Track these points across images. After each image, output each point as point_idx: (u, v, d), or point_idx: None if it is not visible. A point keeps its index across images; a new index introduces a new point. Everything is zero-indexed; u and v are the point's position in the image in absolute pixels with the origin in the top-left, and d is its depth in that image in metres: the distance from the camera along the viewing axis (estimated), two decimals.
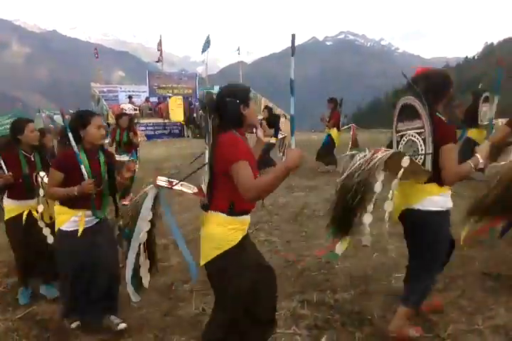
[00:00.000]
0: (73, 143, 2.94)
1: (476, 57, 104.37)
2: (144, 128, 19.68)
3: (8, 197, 3.64)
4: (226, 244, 2.24)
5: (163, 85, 23.77)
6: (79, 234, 2.95)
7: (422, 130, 2.54)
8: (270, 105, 25.12)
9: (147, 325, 3.17)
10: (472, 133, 6.94)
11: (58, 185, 2.96)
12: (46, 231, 3.39)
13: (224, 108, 2.26)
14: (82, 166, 2.94)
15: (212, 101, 2.30)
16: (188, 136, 19.73)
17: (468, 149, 6.91)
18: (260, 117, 9.07)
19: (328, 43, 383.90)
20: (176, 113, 21.15)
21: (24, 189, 3.52)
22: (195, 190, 2.70)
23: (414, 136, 2.62)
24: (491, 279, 3.57)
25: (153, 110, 22.33)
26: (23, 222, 3.53)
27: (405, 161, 2.40)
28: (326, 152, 8.69)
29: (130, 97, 21.87)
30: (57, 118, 11.71)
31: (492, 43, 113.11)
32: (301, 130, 21.18)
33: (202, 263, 2.34)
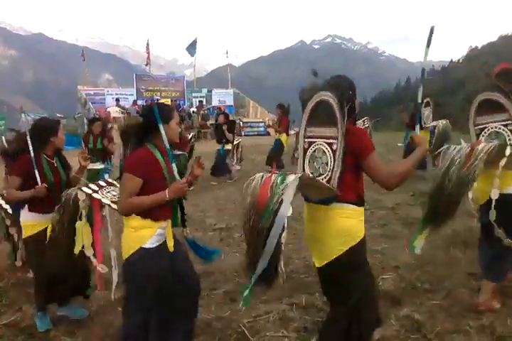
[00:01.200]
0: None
1: (460, 61, 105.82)
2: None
3: (29, 210, 3.11)
4: (357, 236, 2.23)
5: (151, 88, 23.70)
6: (171, 249, 2.49)
7: (509, 122, 2.75)
8: (258, 108, 25.27)
9: None
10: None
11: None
12: (89, 252, 2.94)
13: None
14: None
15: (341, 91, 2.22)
16: None
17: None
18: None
19: (315, 46, 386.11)
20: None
21: (49, 200, 3.04)
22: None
23: (500, 128, 2.81)
24: (477, 279, 3.61)
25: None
26: (47, 239, 3.02)
27: (508, 150, 2.55)
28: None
29: (117, 100, 21.73)
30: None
31: (476, 47, 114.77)
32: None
33: (323, 262, 2.27)
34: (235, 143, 9.15)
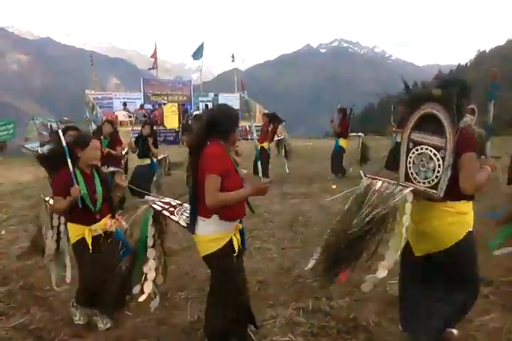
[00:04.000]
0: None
1: (468, 65, 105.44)
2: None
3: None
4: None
5: (158, 92, 23.82)
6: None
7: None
8: (265, 112, 25.24)
9: (142, 333, 3.15)
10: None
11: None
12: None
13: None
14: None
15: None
16: (183, 143, 19.68)
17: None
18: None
19: (322, 50, 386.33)
20: (171, 120, 21.17)
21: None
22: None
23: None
24: (485, 284, 3.58)
25: (147, 117, 22.35)
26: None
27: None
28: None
29: (125, 104, 21.87)
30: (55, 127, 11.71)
31: (484, 51, 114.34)
32: (295, 136, 21.23)
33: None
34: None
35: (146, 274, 2.94)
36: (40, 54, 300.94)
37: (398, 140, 9.13)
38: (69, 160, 3.18)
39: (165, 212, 2.99)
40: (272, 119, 9.32)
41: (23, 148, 18.13)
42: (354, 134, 9.67)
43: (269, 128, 9.17)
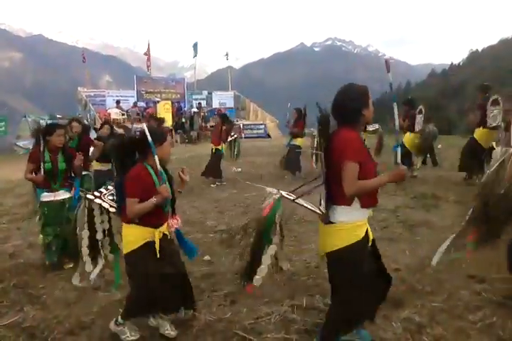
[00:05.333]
0: None
1: (461, 64, 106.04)
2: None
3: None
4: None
5: (151, 90, 23.71)
6: None
7: None
8: (259, 110, 25.30)
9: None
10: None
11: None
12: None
13: None
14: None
15: None
16: (177, 141, 19.65)
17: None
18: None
19: (316, 49, 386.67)
20: (165, 118, 21.11)
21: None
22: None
23: None
24: (478, 282, 3.62)
25: (141, 115, 22.27)
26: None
27: None
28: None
29: (118, 102, 21.75)
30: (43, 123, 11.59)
31: (477, 50, 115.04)
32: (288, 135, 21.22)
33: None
34: None
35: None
36: (33, 51, 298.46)
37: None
38: (156, 157, 2.78)
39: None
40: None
41: (15, 145, 18.03)
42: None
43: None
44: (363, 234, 2.49)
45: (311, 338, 2.90)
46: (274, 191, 2.77)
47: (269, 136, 22.57)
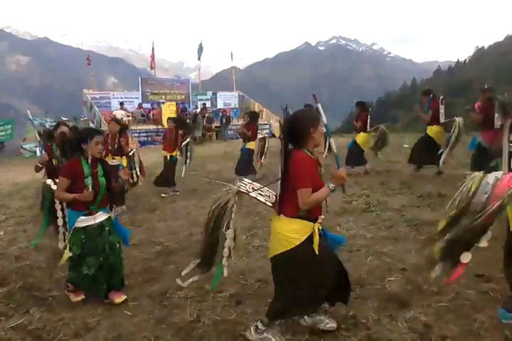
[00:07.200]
0: None
1: (467, 61, 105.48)
2: (137, 134, 19.64)
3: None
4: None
5: (156, 91, 23.77)
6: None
7: None
8: (263, 110, 25.30)
9: (141, 332, 3.15)
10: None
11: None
12: None
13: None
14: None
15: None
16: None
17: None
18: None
19: (320, 48, 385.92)
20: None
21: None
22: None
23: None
24: (485, 281, 3.59)
25: (146, 116, 22.33)
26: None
27: None
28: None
29: (122, 104, 21.82)
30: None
31: (483, 47, 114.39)
32: None
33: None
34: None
35: None
36: (38, 54, 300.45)
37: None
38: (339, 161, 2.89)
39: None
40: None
41: (21, 148, 18.16)
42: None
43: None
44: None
45: (316, 339, 2.88)
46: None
47: (274, 135, 22.55)
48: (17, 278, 4.29)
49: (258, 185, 2.95)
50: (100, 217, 3.60)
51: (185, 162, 8.56)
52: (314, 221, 2.76)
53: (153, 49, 25.71)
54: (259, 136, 9.15)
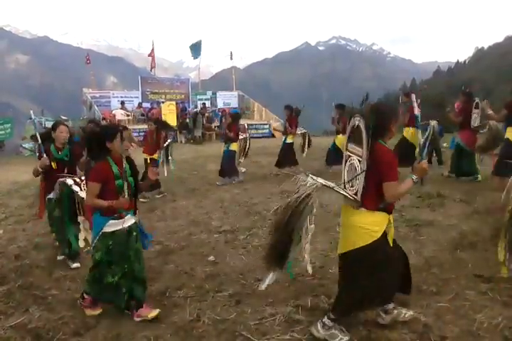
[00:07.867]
0: None
1: (467, 62, 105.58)
2: (136, 133, 19.63)
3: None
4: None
5: (156, 91, 23.72)
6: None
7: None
8: (263, 110, 25.30)
9: (140, 331, 3.15)
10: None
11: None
12: None
13: None
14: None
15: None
16: (181, 142, 19.67)
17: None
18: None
19: (320, 48, 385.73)
20: (169, 118, 21.10)
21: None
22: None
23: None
24: (484, 281, 3.59)
25: (145, 115, 22.30)
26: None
27: None
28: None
29: (123, 103, 21.80)
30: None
31: (483, 48, 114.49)
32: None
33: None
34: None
35: None
36: (38, 53, 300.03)
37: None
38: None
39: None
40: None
41: (21, 147, 18.13)
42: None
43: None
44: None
45: (315, 339, 2.88)
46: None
47: (273, 135, 22.55)
48: (16, 277, 4.29)
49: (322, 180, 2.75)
50: (129, 220, 3.34)
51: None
52: (390, 212, 2.82)
53: (153, 48, 25.67)
54: (276, 132, 9.14)
